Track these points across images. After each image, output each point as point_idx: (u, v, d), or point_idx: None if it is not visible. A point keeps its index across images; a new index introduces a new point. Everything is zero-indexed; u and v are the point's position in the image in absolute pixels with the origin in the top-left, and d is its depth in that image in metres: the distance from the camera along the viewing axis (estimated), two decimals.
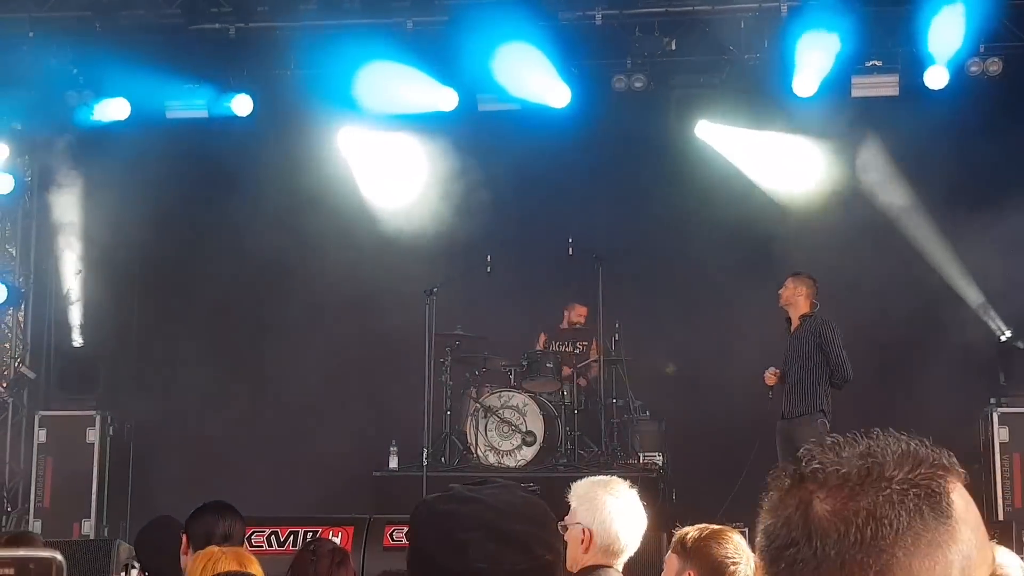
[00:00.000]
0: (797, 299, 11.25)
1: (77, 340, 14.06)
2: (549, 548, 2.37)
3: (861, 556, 1.51)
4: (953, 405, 12.85)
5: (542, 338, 13.66)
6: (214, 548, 4.79)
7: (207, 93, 13.90)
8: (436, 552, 2.34)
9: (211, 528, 5.60)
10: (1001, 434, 12.28)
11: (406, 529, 11.71)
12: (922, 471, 1.55)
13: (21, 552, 1.81)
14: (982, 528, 1.59)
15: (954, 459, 1.60)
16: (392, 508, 11.44)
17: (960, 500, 1.56)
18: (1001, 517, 11.56)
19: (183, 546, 5.58)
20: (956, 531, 1.53)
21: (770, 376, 11.11)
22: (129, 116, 13.72)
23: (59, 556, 1.84)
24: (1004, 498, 12.14)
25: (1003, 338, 13.36)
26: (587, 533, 4.61)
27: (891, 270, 13.01)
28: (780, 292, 11.26)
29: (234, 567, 4.34)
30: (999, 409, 12.39)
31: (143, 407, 13.84)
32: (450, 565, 2.30)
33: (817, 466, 1.57)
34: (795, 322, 11.16)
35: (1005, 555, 4.62)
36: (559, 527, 4.75)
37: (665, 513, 10.67)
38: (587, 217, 13.89)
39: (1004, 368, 12.99)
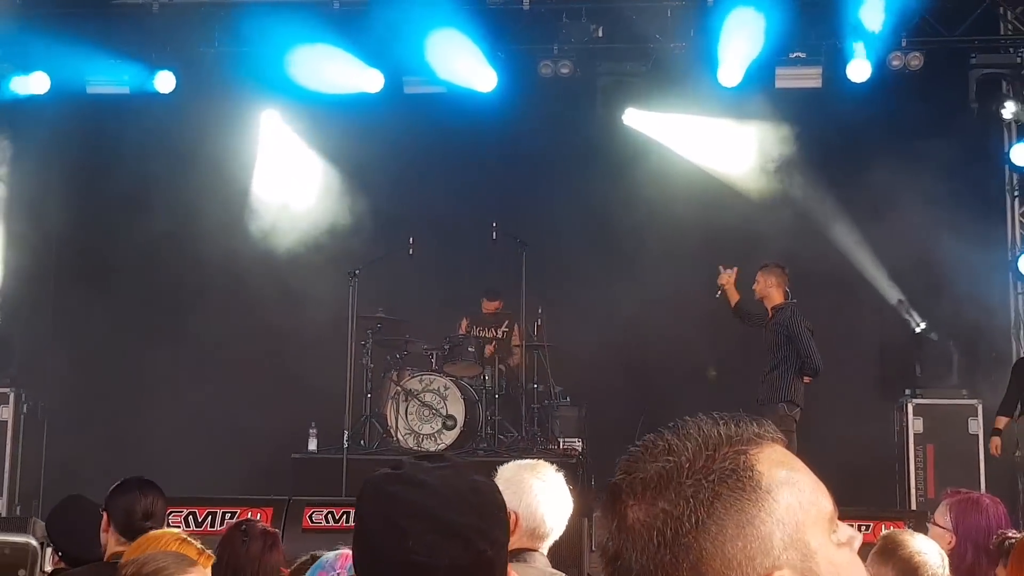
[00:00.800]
0: (769, 291, 11.54)
1: None
2: (491, 542, 2.35)
3: (670, 557, 1.52)
4: (870, 396, 13.24)
5: (464, 323, 13.70)
6: (158, 533, 4.68)
7: (129, 69, 13.80)
8: (377, 537, 2.31)
9: (132, 505, 5.50)
10: (916, 425, 12.51)
11: (326, 511, 11.81)
12: (720, 453, 1.55)
13: None
14: (809, 484, 1.57)
15: (766, 427, 1.60)
16: (311, 490, 11.52)
17: (771, 467, 1.55)
18: (914, 507, 11.80)
19: (103, 523, 5.50)
20: (767, 501, 1.53)
21: (724, 277, 11.67)
22: (49, 90, 13.62)
23: (34, 541, 1.77)
24: (917, 488, 12.37)
25: (918, 330, 13.59)
26: (513, 516, 4.64)
27: (809, 262, 13.12)
28: (754, 288, 11.61)
29: (193, 555, 4.24)
30: (914, 400, 12.64)
31: (59, 384, 13.72)
32: (390, 553, 2.27)
33: (623, 476, 1.59)
34: (769, 313, 11.46)
35: (923, 543, 4.69)
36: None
37: (584, 499, 10.79)
38: (512, 202, 13.98)
39: (919, 360, 13.24)
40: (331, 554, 3.50)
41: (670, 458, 1.55)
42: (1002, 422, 11.63)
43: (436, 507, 2.30)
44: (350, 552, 2.43)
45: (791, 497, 1.53)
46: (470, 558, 2.29)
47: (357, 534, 2.35)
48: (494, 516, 2.41)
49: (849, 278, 13.58)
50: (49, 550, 8.32)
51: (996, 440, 11.69)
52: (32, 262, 14.05)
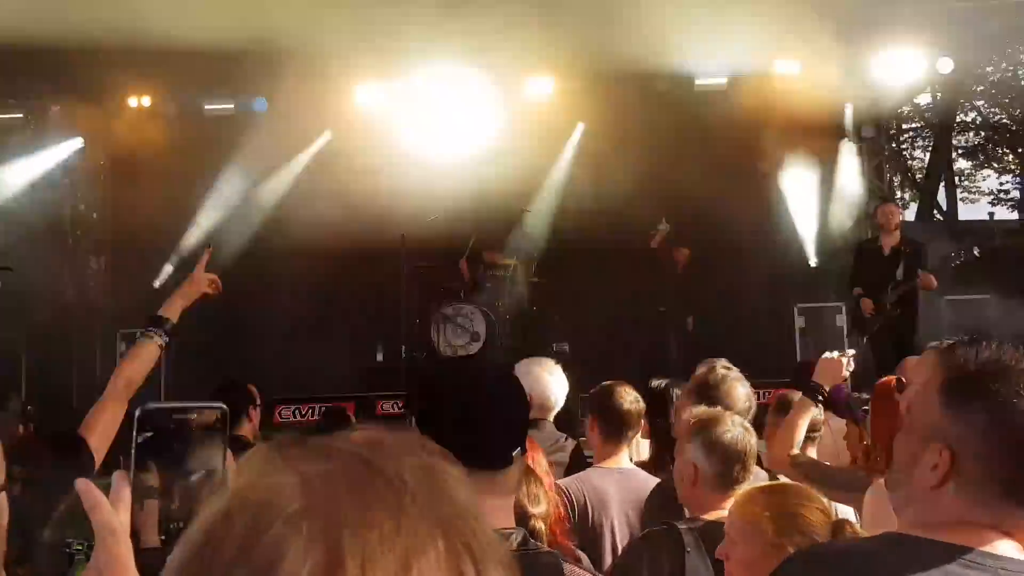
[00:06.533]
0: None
1: None
2: (529, 406, 2.68)
3: None
4: (773, 305, 15.96)
5: (464, 265, 15.05)
6: None
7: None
8: (457, 400, 2.54)
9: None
10: (799, 322, 15.30)
11: (391, 403, 13.48)
12: None
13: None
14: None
15: None
16: (380, 389, 14.02)
17: None
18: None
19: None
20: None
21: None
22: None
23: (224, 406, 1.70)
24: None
25: (812, 264, 16.69)
26: (529, 395, 4.01)
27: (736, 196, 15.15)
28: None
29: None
30: (798, 305, 15.61)
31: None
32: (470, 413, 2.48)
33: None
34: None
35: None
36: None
37: (576, 383, 9.31)
38: None
39: (804, 282, 16.31)
40: None
41: None
42: (857, 291, 13.12)
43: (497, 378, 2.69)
44: None
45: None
46: (526, 416, 2.70)
47: (443, 405, 2.58)
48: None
49: (758, 219, 15.90)
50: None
51: (867, 301, 12.93)
52: None
